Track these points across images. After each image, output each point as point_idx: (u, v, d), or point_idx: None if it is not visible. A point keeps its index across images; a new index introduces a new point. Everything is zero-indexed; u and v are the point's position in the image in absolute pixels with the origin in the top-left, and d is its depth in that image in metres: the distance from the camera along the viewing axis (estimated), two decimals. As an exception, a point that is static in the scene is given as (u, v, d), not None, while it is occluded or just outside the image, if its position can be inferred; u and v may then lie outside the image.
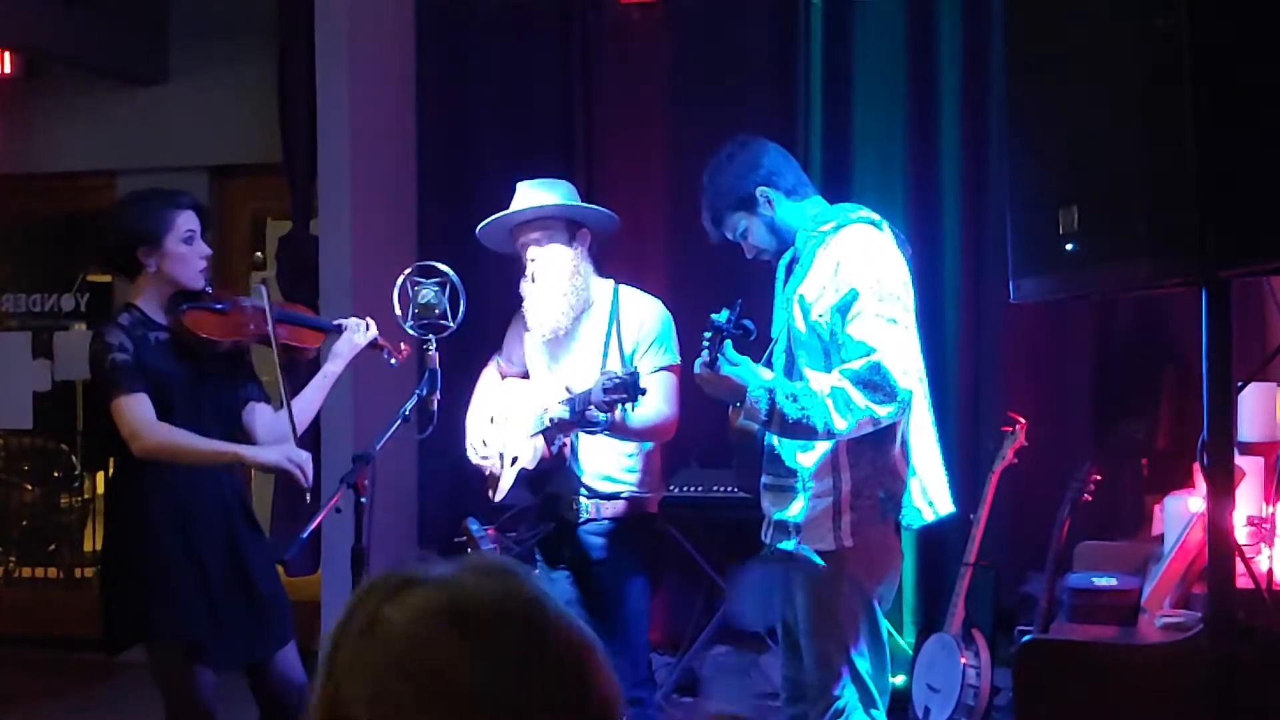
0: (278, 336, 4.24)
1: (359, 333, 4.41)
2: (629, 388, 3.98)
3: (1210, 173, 2.33)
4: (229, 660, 4.26)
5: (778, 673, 6.50)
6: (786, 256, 3.95)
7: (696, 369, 3.69)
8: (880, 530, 3.75)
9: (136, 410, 4.09)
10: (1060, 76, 2.85)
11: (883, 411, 3.58)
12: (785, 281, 3.93)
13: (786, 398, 3.60)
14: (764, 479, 3.95)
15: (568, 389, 4.30)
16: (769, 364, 3.92)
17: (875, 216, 3.86)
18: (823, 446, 3.74)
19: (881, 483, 3.73)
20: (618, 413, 4.07)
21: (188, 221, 4.23)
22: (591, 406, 4.09)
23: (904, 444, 3.77)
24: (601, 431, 4.23)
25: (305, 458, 4.13)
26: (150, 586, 4.13)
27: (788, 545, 3.83)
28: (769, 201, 3.90)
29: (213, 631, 4.15)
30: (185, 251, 4.21)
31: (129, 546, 4.16)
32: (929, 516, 3.81)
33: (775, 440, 3.86)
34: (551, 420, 4.32)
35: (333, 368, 4.43)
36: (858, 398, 3.56)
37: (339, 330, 4.43)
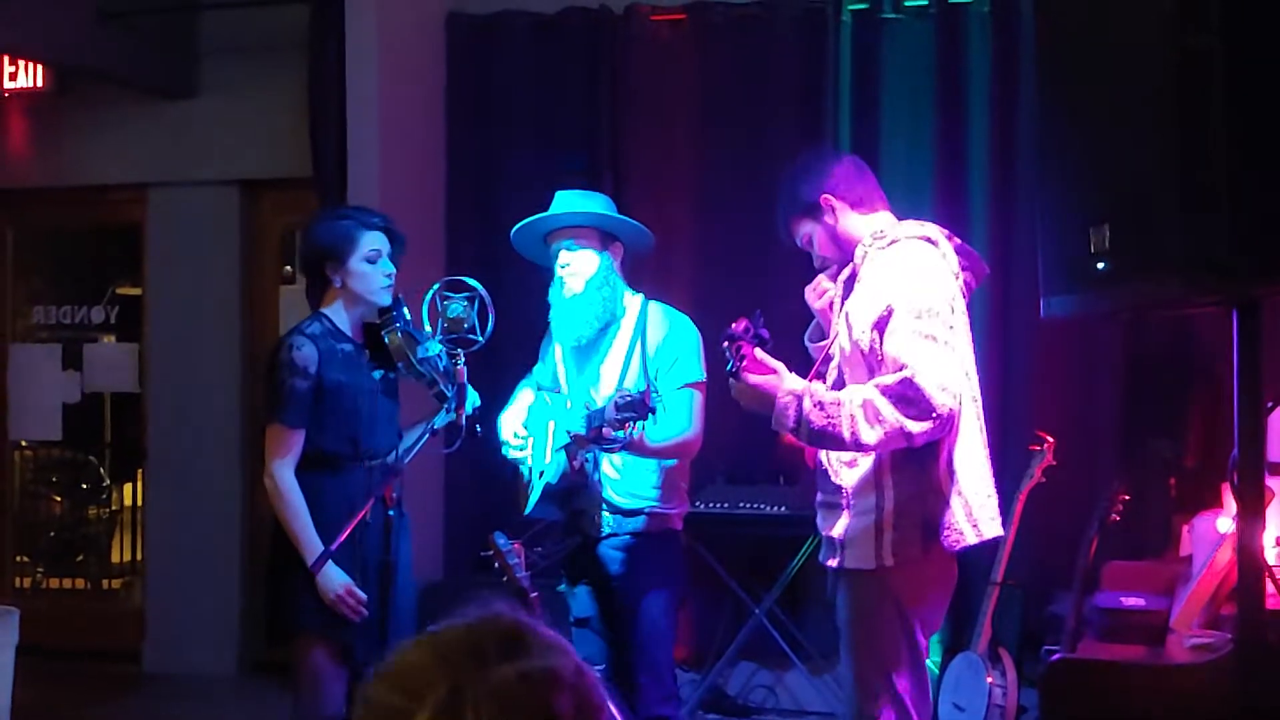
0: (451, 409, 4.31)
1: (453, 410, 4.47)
2: (640, 406, 3.98)
3: (1241, 192, 2.32)
4: (362, 661, 4.33)
5: (803, 690, 6.53)
6: (845, 272, 3.91)
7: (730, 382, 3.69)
8: (924, 551, 3.67)
9: (284, 444, 4.28)
10: (1090, 94, 2.85)
11: (916, 427, 3.50)
12: (844, 298, 3.89)
13: (814, 405, 3.56)
14: (817, 496, 3.93)
15: (586, 405, 4.31)
16: (822, 379, 3.90)
17: (934, 235, 3.79)
18: (866, 464, 3.70)
19: (926, 502, 3.66)
20: (631, 430, 4.06)
21: (372, 241, 4.38)
22: (606, 424, 4.08)
23: (949, 463, 3.68)
24: (620, 449, 4.22)
25: (356, 600, 4.20)
26: (314, 584, 4.20)
27: (834, 562, 3.81)
28: (833, 210, 3.86)
29: (358, 633, 4.24)
30: (368, 270, 4.37)
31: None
32: (973, 539, 3.68)
33: (824, 458, 3.85)
34: (570, 435, 4.32)
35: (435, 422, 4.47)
36: (888, 411, 3.49)
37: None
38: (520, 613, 1.45)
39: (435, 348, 4.26)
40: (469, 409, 4.30)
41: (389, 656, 1.42)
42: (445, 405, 4.19)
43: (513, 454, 4.61)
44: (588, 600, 4.60)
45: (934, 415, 3.50)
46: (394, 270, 4.41)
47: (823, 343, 3.97)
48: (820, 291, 4.02)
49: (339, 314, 4.42)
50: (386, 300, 4.39)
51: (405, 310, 4.38)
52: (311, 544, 4.20)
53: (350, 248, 4.35)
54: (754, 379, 3.62)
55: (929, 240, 3.77)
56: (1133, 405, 6.09)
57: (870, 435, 3.52)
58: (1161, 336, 6.07)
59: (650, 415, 4.00)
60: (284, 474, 4.26)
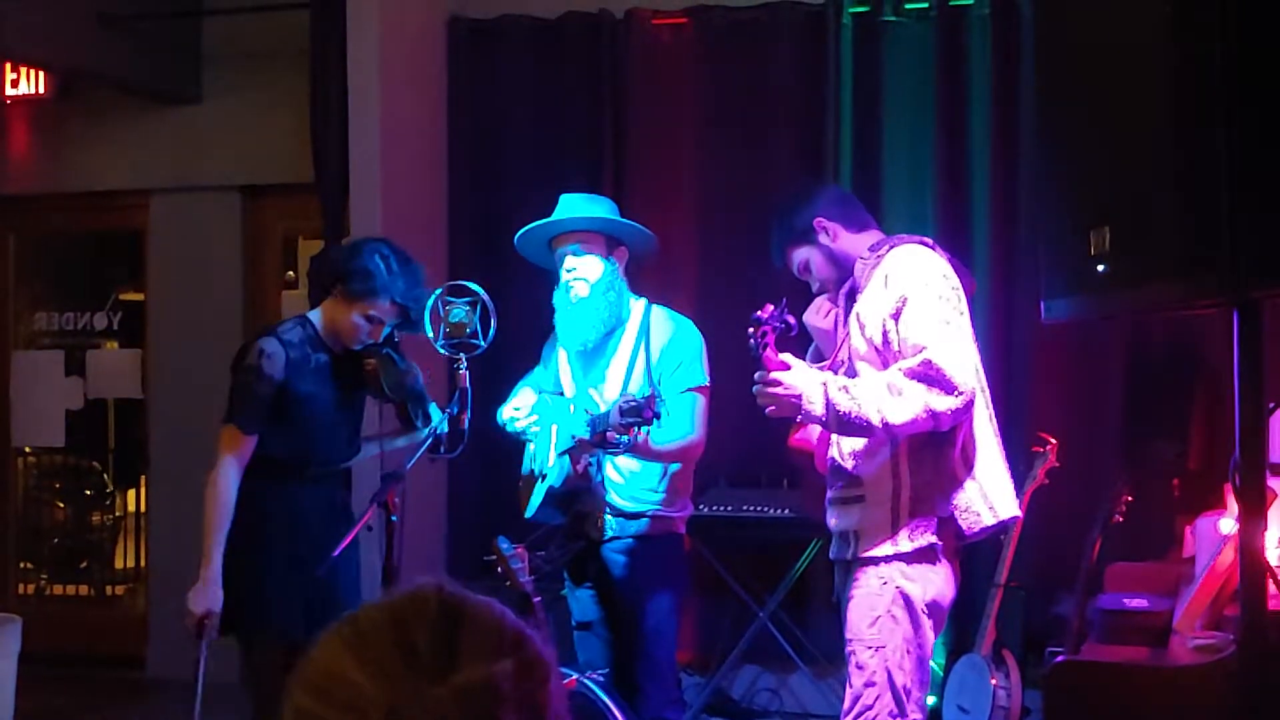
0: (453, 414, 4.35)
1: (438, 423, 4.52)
2: (644, 411, 3.99)
3: (1242, 193, 2.32)
4: None
5: (807, 693, 6.53)
6: (846, 287, 3.98)
7: (755, 380, 3.71)
8: (940, 537, 3.73)
9: (234, 445, 4.28)
10: (1090, 96, 2.85)
11: (941, 404, 3.56)
12: (846, 312, 3.95)
13: (839, 390, 3.62)
14: (829, 494, 3.95)
15: (586, 410, 4.31)
16: None
17: (929, 242, 3.90)
18: (882, 453, 3.74)
19: (942, 488, 3.72)
20: (635, 435, 4.07)
21: (383, 310, 4.35)
22: (610, 428, 4.09)
23: (964, 450, 3.73)
24: (623, 453, 4.23)
25: (203, 609, 4.20)
26: (259, 584, 4.26)
27: (845, 554, 3.84)
28: (826, 231, 3.96)
29: (308, 634, 4.20)
30: (360, 325, 4.36)
31: (241, 544, 4.27)
32: (990, 520, 3.74)
33: (836, 453, 3.87)
34: (574, 439, 4.33)
35: (398, 443, 4.65)
36: (912, 389, 3.56)
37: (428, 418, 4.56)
38: (445, 585, 1.37)
39: (413, 369, 4.35)
40: (435, 425, 4.33)
41: (311, 653, 1.35)
42: (447, 410, 4.20)
43: (517, 425, 4.60)
44: (590, 604, 4.60)
45: (957, 392, 3.57)
46: (379, 342, 4.41)
47: (823, 364, 4.01)
48: (825, 310, 4.06)
49: (324, 326, 4.43)
50: (354, 348, 4.41)
51: (395, 334, 4.43)
52: (214, 550, 4.20)
53: (367, 299, 4.33)
54: (776, 374, 3.67)
55: (926, 244, 3.87)
56: (1135, 407, 6.10)
57: (897, 414, 3.58)
58: (1163, 338, 6.08)
59: (654, 421, 4.02)
60: (226, 473, 4.25)
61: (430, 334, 4.23)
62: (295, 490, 4.34)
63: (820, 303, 4.10)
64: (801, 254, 4.01)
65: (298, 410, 4.31)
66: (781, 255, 4.07)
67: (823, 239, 3.96)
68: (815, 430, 3.99)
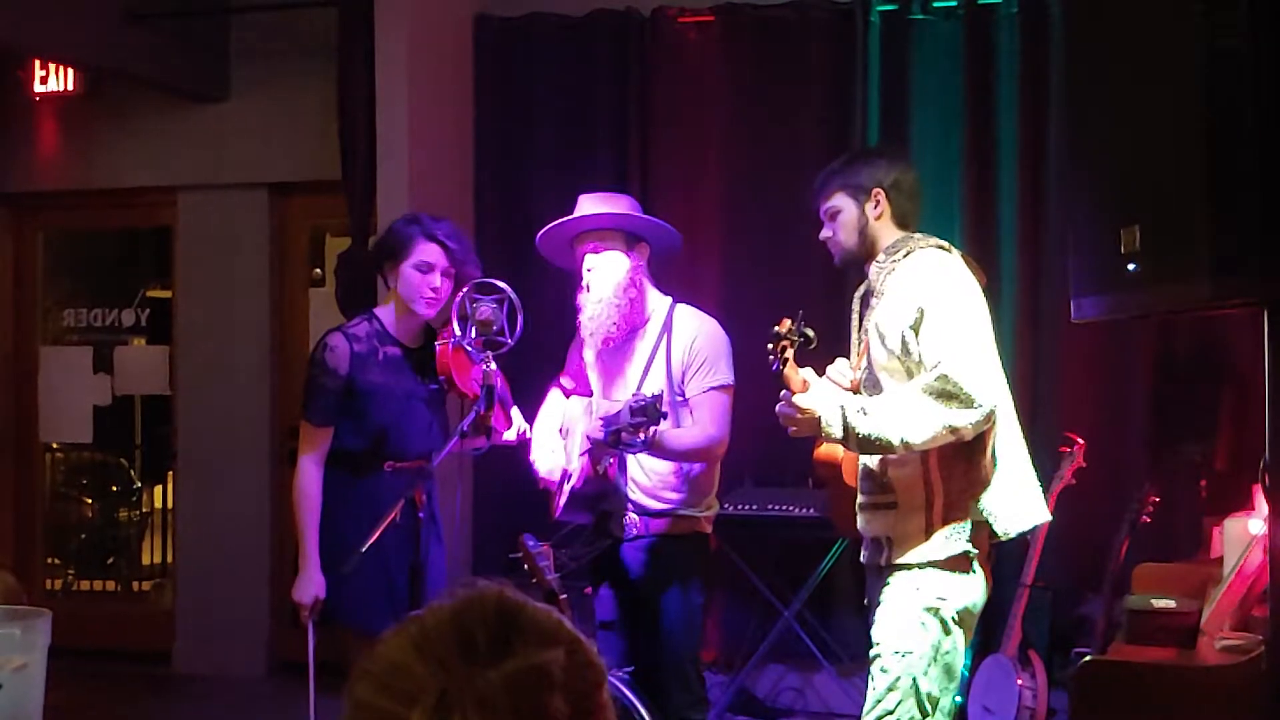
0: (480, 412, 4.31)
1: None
2: (652, 411, 3.98)
3: (1272, 192, 2.32)
4: None
5: (832, 692, 6.52)
6: (861, 290, 3.97)
7: (779, 399, 3.70)
8: (975, 544, 3.72)
9: (310, 440, 4.36)
10: (1120, 95, 2.85)
11: (960, 420, 3.54)
12: (861, 316, 3.93)
13: (858, 412, 3.60)
14: (860, 499, 3.94)
15: (604, 411, 4.31)
16: None
17: (946, 244, 3.86)
18: (913, 462, 3.72)
19: (974, 494, 3.70)
20: (646, 436, 4.06)
21: (427, 252, 4.40)
22: (621, 429, 4.08)
23: (993, 455, 3.72)
24: (639, 452, 4.23)
25: (310, 598, 4.26)
26: (337, 576, 4.23)
27: (878, 560, 3.83)
28: (878, 204, 3.91)
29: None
30: (415, 279, 4.39)
31: (324, 535, 4.32)
32: (1023, 525, 3.74)
33: (866, 459, 3.86)
34: (589, 440, 4.33)
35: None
36: (931, 408, 3.54)
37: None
38: (506, 589, 1.39)
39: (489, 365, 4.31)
40: (515, 434, 4.37)
41: (375, 649, 1.38)
42: (475, 407, 4.19)
43: (545, 469, 4.61)
44: (613, 602, 4.60)
45: (976, 405, 3.55)
46: (440, 286, 4.39)
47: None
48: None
49: (390, 316, 4.45)
50: (427, 313, 4.41)
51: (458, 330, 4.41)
52: (309, 543, 4.28)
53: (405, 252, 4.39)
54: (797, 398, 3.66)
55: (943, 248, 3.84)
56: (1163, 406, 6.07)
57: (917, 434, 3.56)
58: (1191, 337, 6.05)
59: (662, 419, 4.01)
60: (307, 468, 4.33)
61: (458, 331, 4.23)
62: (373, 482, 4.34)
63: (844, 366, 4.07)
64: (842, 203, 3.96)
65: (366, 402, 4.33)
66: (824, 191, 3.99)
67: (869, 208, 3.91)
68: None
